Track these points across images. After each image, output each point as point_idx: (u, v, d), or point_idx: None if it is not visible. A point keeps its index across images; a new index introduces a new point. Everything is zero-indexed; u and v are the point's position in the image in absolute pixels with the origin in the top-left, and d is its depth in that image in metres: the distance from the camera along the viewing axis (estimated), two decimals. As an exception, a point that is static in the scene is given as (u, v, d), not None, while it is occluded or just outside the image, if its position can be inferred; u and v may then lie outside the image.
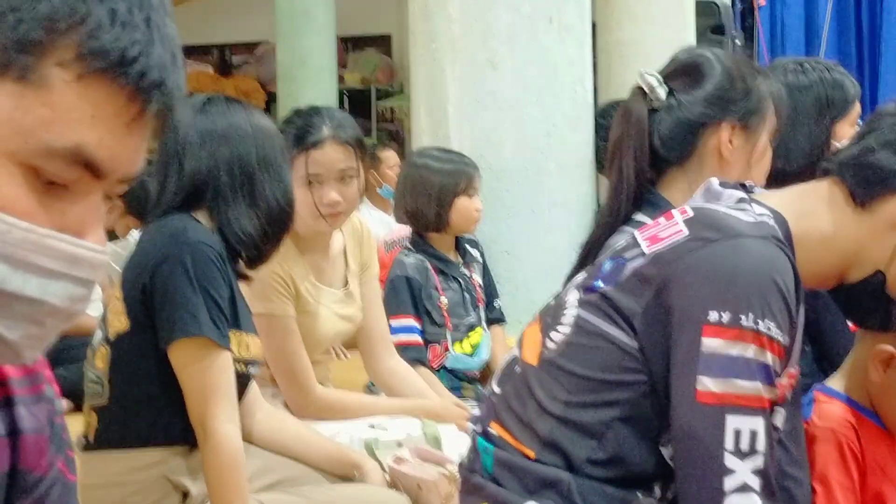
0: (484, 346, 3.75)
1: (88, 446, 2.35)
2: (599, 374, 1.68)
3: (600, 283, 1.72)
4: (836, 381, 2.05)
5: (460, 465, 1.90)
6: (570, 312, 1.75)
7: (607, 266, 1.75)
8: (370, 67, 12.28)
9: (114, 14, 0.88)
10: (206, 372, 2.24)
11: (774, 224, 1.68)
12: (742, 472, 1.55)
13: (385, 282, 3.55)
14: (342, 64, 11.59)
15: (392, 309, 3.45)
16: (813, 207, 1.75)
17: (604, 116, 4.56)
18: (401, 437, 2.81)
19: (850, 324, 2.14)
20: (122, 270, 2.36)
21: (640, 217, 2.17)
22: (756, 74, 2.29)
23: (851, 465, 1.93)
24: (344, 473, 2.61)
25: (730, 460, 1.56)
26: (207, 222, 2.35)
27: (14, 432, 1.11)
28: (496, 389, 1.85)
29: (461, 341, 3.68)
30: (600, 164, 4.47)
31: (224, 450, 2.22)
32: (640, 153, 2.18)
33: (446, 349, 3.63)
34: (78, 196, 0.92)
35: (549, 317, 1.81)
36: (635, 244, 1.73)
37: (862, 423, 1.98)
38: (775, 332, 1.58)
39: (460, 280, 3.73)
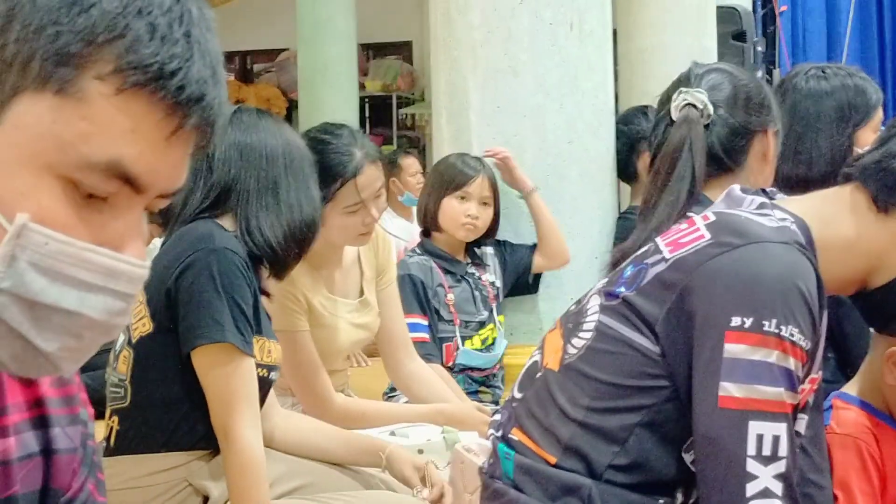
0: (498, 343, 3.76)
1: (109, 450, 2.35)
2: (621, 380, 1.68)
3: (622, 289, 1.72)
4: (851, 387, 2.05)
5: (481, 471, 1.90)
6: (592, 318, 1.75)
7: (629, 271, 1.75)
8: (391, 75, 12.28)
9: (153, 28, 0.88)
10: (229, 378, 2.25)
11: (797, 229, 1.67)
12: (764, 478, 1.55)
13: (391, 283, 3.56)
14: (363, 71, 11.59)
15: None
16: (835, 213, 1.74)
17: (625, 123, 4.56)
18: (421, 443, 2.81)
19: (872, 330, 2.13)
20: None
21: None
22: (761, 83, 2.41)
23: (872, 470, 1.93)
24: (370, 461, 2.61)
25: (752, 465, 1.55)
26: (232, 226, 2.36)
27: (48, 452, 1.12)
28: (517, 395, 1.85)
29: (471, 338, 3.68)
30: (621, 170, 4.47)
31: (246, 455, 2.23)
32: (701, 160, 2.23)
33: (458, 346, 3.63)
34: (118, 210, 0.92)
35: (571, 322, 1.81)
36: (657, 250, 1.73)
37: (879, 427, 1.97)
38: (798, 338, 1.57)
39: (468, 279, 3.74)
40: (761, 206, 1.74)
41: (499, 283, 3.88)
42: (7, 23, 0.89)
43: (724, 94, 2.32)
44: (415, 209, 6.24)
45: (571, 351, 1.76)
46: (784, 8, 9.13)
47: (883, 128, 2.70)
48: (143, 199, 0.93)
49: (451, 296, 3.66)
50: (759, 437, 1.55)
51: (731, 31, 7.16)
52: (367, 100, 12.10)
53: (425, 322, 3.58)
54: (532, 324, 4.04)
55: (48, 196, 0.89)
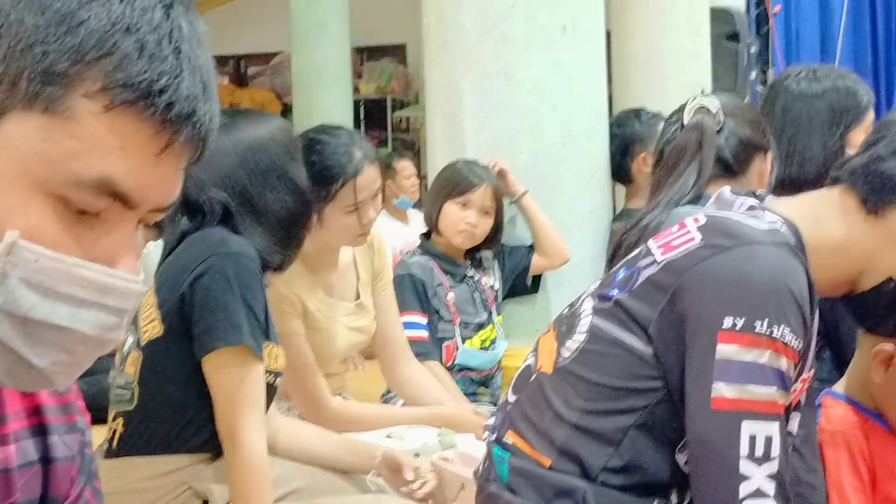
0: (498, 343, 3.77)
1: (111, 453, 2.35)
2: (615, 382, 1.69)
3: (615, 292, 1.73)
4: (839, 385, 2.06)
5: (475, 474, 1.90)
6: (585, 321, 1.76)
7: (621, 274, 1.76)
8: (385, 77, 12.29)
9: (142, 46, 0.88)
10: (241, 382, 2.25)
11: (787, 231, 1.68)
12: (757, 478, 1.55)
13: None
14: (357, 74, 11.61)
15: (398, 306, 3.46)
16: (824, 215, 1.75)
17: (619, 125, 4.57)
18: (417, 446, 2.82)
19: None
20: (156, 278, 2.37)
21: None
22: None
23: (862, 467, 1.94)
24: (365, 465, 2.62)
25: (745, 466, 1.56)
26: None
27: (47, 460, 1.12)
28: (511, 398, 1.86)
29: (471, 339, 3.69)
30: (616, 172, 4.48)
31: (252, 460, 2.23)
32: (708, 162, 2.36)
33: (457, 346, 3.64)
34: (110, 225, 0.92)
35: (565, 325, 1.82)
36: (648, 253, 1.74)
37: (867, 423, 1.99)
38: (790, 338, 1.58)
39: (467, 281, 3.75)
40: (752, 208, 1.75)
41: (498, 286, 3.89)
42: None
43: (734, 109, 2.47)
44: (409, 212, 6.25)
45: (565, 354, 1.76)
46: (777, 9, 9.13)
47: (874, 129, 2.72)
48: (135, 214, 0.93)
49: (451, 295, 3.67)
50: (752, 438, 1.56)
51: (724, 32, 7.16)
52: (361, 102, 12.10)
53: (424, 320, 3.58)
54: (530, 325, 4.04)
55: (38, 213, 0.89)
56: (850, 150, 2.52)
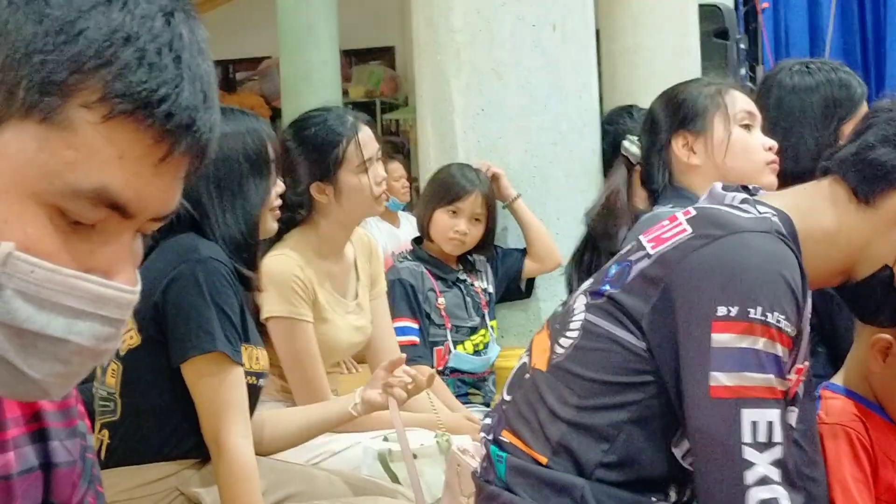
0: (491, 347, 3.76)
1: (100, 464, 2.34)
2: (609, 377, 1.68)
3: (607, 287, 1.73)
4: (838, 377, 2.07)
5: (474, 475, 1.89)
6: (578, 317, 1.76)
7: (613, 270, 1.76)
8: (374, 80, 12.28)
9: (141, 55, 0.87)
10: (219, 387, 2.25)
11: (779, 221, 1.68)
12: (762, 465, 1.55)
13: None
14: (346, 78, 11.59)
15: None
16: (815, 206, 1.75)
17: (610, 123, 4.56)
18: (415, 448, 2.81)
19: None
20: None
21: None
22: (697, 82, 2.68)
23: (863, 457, 1.94)
24: (347, 413, 2.60)
25: (749, 453, 1.55)
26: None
27: (48, 465, 1.12)
28: (506, 397, 1.85)
29: (463, 343, 3.68)
30: (607, 170, 4.47)
31: (238, 464, 2.22)
32: (619, 212, 2.67)
33: (449, 350, 3.64)
34: (107, 236, 0.91)
35: (558, 323, 1.81)
36: (640, 247, 1.74)
37: (866, 414, 1.98)
38: (784, 324, 1.58)
39: (459, 285, 3.74)
40: (744, 201, 1.75)
41: (491, 289, 3.88)
42: None
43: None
44: (399, 214, 6.24)
45: (559, 351, 1.76)
46: (766, 5, 9.14)
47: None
48: (132, 224, 0.92)
49: (441, 300, 3.66)
50: (754, 424, 1.56)
51: (713, 28, 7.16)
52: (350, 106, 12.09)
53: (415, 326, 3.58)
54: (523, 325, 4.04)
55: (34, 224, 0.88)
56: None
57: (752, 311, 1.57)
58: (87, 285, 0.90)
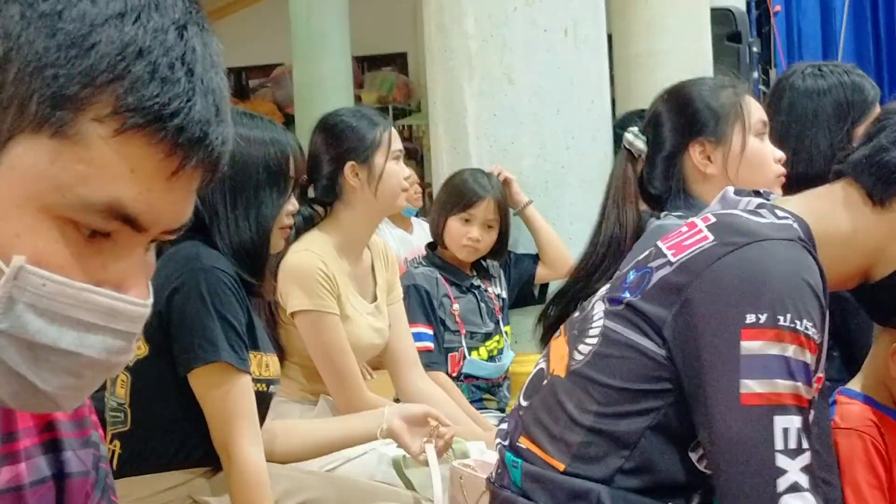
0: (505, 353, 3.76)
1: (112, 474, 2.34)
2: (628, 384, 1.68)
3: (626, 294, 1.72)
4: (855, 383, 2.06)
5: (488, 480, 1.89)
6: (597, 324, 1.75)
7: (632, 276, 1.75)
8: (387, 86, 12.29)
9: (154, 69, 0.87)
10: (226, 396, 2.24)
11: (798, 227, 1.68)
12: (793, 472, 1.54)
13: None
14: (358, 84, 11.60)
15: None
16: (830, 209, 1.75)
17: (623, 127, 4.55)
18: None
19: (875, 326, 2.13)
20: None
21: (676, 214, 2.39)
22: (719, 87, 2.54)
23: (878, 463, 1.93)
24: (370, 432, 2.57)
25: (781, 460, 1.54)
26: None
27: (61, 476, 1.11)
28: (523, 403, 1.85)
29: (477, 349, 3.68)
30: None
31: (249, 472, 2.22)
32: (625, 204, 2.54)
33: (464, 356, 3.63)
34: (119, 249, 0.91)
35: (576, 329, 1.80)
36: (660, 254, 1.72)
37: (883, 420, 1.98)
38: (812, 331, 1.57)
39: (473, 291, 3.74)
40: (760, 206, 1.74)
41: (504, 295, 3.88)
42: (4, 64, 0.87)
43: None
44: (413, 220, 6.24)
45: (578, 357, 1.75)
46: (778, 8, 9.13)
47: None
48: (145, 236, 0.92)
49: (456, 306, 3.66)
50: (785, 431, 1.55)
51: (725, 32, 7.17)
52: (363, 112, 12.06)
53: (430, 332, 3.57)
54: (537, 331, 4.04)
55: (45, 237, 0.88)
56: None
57: (781, 318, 1.56)
58: (98, 298, 0.90)
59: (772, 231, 1.65)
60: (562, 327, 1.89)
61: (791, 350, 1.56)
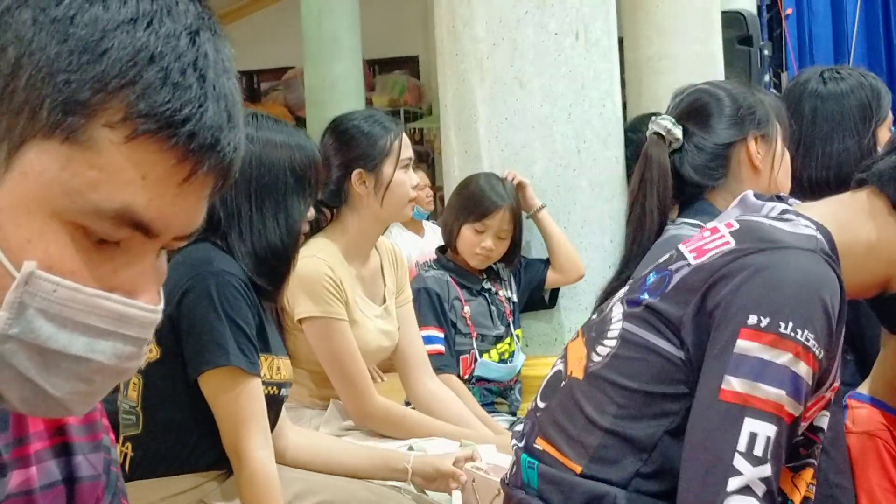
0: (516, 356, 3.76)
1: (124, 477, 2.34)
2: (647, 387, 1.67)
3: (645, 296, 1.72)
4: (864, 387, 2.05)
5: (503, 482, 1.89)
6: (616, 326, 1.75)
7: (652, 278, 1.74)
8: (398, 90, 12.31)
9: (166, 75, 0.86)
10: (236, 400, 2.25)
11: (822, 237, 1.66)
12: (748, 476, 1.52)
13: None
14: (370, 87, 11.62)
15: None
16: (854, 218, 1.73)
17: (634, 130, 4.55)
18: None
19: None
20: None
21: (690, 221, 2.32)
22: (753, 89, 2.48)
23: (890, 466, 1.93)
24: (394, 475, 2.61)
25: (738, 461, 1.53)
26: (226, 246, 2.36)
27: (71, 480, 1.11)
28: (540, 404, 1.84)
29: (489, 352, 3.68)
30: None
31: (260, 476, 2.23)
32: (663, 191, 2.35)
33: (475, 359, 3.63)
34: (131, 254, 0.91)
35: (594, 331, 1.80)
36: (681, 256, 1.72)
37: (893, 424, 1.97)
38: (813, 344, 1.56)
39: (484, 294, 3.74)
40: (784, 212, 1.73)
41: (515, 298, 3.87)
42: (16, 69, 0.86)
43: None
44: (424, 223, 6.25)
45: (596, 359, 1.75)
46: (789, 11, 9.12)
47: (895, 129, 2.71)
48: (156, 243, 0.92)
49: (467, 309, 3.66)
50: (753, 436, 1.53)
51: (736, 35, 7.16)
52: (374, 116, 12.07)
53: (441, 334, 3.57)
54: (548, 334, 4.04)
55: (56, 243, 0.87)
56: (880, 147, 2.50)
57: (783, 325, 1.55)
58: (109, 304, 0.90)
59: (795, 240, 1.64)
60: (579, 329, 1.89)
61: (785, 359, 1.54)
